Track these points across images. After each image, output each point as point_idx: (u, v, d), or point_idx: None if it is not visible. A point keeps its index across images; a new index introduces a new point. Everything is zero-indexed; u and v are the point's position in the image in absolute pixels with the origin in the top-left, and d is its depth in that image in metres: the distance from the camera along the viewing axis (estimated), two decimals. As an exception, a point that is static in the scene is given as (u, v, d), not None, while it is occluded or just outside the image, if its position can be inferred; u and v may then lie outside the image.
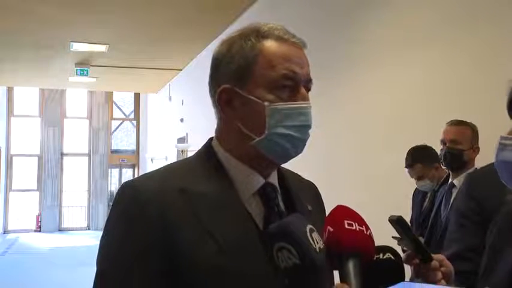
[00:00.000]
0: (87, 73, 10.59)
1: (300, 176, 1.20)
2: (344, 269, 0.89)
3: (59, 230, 16.80)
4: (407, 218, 3.68)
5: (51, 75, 11.62)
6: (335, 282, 0.91)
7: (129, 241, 0.93)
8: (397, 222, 0.98)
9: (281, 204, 1.06)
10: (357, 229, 0.91)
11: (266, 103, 0.99)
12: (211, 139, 1.09)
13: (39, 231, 16.47)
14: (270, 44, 1.02)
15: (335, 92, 4.83)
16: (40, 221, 16.70)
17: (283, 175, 1.12)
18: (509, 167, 1.11)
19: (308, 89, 1.04)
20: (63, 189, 17.25)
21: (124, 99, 18.35)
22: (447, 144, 2.97)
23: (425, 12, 3.75)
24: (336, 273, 0.95)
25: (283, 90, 1.00)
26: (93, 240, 14.75)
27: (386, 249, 0.99)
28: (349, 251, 0.89)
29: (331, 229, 0.91)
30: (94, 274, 0.97)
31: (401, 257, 1.00)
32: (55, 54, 9.63)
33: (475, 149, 2.96)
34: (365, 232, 0.92)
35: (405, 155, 3.45)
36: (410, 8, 3.92)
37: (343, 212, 0.94)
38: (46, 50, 9.36)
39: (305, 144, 1.03)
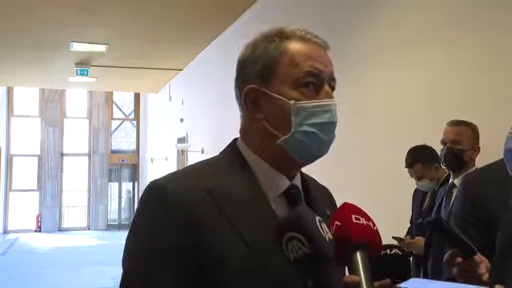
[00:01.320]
0: (87, 73, 10.59)
1: (313, 178, 1.20)
2: (352, 261, 0.89)
3: (59, 230, 16.80)
4: (407, 218, 3.68)
5: (51, 75, 11.62)
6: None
7: (155, 242, 0.94)
8: (435, 222, 0.98)
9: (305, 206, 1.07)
10: (364, 223, 0.92)
11: (291, 101, 1.00)
12: (235, 140, 1.10)
13: (39, 231, 16.47)
14: (293, 44, 1.03)
15: (336, 93, 4.82)
16: (40, 221, 16.70)
17: (304, 178, 1.12)
18: None
19: (332, 88, 1.05)
20: (63, 189, 17.25)
21: (124, 99, 18.35)
22: (448, 144, 2.96)
23: (426, 13, 3.75)
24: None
25: (307, 87, 1.01)
26: (93, 240, 14.75)
27: (393, 246, 1.00)
28: (357, 244, 0.90)
29: (339, 223, 0.92)
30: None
31: (407, 253, 1.01)
32: (55, 54, 9.63)
33: (476, 149, 2.95)
34: (372, 227, 0.93)
35: (405, 155, 3.45)
36: (411, 9, 3.92)
37: (350, 208, 0.95)
38: (46, 50, 9.37)
39: (330, 144, 1.04)
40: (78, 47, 9.15)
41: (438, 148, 3.16)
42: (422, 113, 3.75)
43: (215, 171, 1.02)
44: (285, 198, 1.04)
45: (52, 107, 17.11)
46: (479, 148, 2.95)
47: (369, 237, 0.91)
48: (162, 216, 0.94)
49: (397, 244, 0.88)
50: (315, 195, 1.11)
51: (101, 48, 9.21)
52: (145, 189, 0.99)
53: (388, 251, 1.00)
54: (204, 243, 0.92)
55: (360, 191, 4.31)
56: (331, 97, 1.03)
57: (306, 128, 1.00)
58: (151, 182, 1.00)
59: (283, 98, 1.01)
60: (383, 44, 4.22)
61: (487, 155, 2.58)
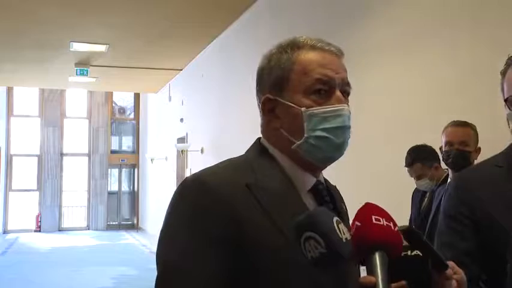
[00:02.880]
0: (87, 73, 10.59)
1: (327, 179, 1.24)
2: (370, 262, 0.90)
3: (59, 230, 16.79)
4: (407, 218, 3.68)
5: (51, 76, 11.62)
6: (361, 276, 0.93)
7: (199, 235, 0.96)
8: (407, 232, 0.97)
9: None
10: (385, 224, 0.93)
11: (303, 108, 1.05)
12: (259, 138, 1.14)
13: (39, 231, 16.46)
14: (304, 53, 1.09)
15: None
16: (40, 221, 16.70)
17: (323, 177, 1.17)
18: None
19: (346, 93, 1.10)
20: (63, 189, 17.24)
21: (124, 99, 18.33)
22: (456, 146, 2.92)
23: (425, 12, 3.76)
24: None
25: (318, 94, 1.06)
26: (93, 240, 14.74)
27: (414, 247, 0.99)
28: (376, 245, 0.90)
29: (359, 224, 0.93)
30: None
31: (429, 248, 0.99)
32: (55, 54, 9.63)
33: (477, 150, 2.95)
34: (392, 228, 0.93)
35: (404, 154, 3.45)
36: (410, 8, 3.93)
37: (371, 208, 0.96)
38: (46, 50, 9.37)
39: (344, 147, 1.08)
40: (78, 47, 9.15)
41: (437, 148, 3.17)
42: (421, 112, 3.76)
43: (250, 168, 1.06)
44: (312, 194, 1.08)
45: (52, 107, 17.10)
46: (480, 149, 2.95)
47: (388, 239, 0.92)
48: (202, 209, 0.97)
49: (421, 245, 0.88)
50: (334, 193, 1.16)
51: (101, 48, 9.21)
52: (182, 184, 1.02)
53: (409, 252, 0.99)
54: (243, 234, 0.95)
55: (359, 191, 4.31)
56: (342, 102, 1.07)
57: (318, 133, 1.05)
58: (187, 178, 1.04)
59: (295, 106, 1.06)
60: (384, 43, 4.22)
61: (485, 154, 2.58)
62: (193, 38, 8.69)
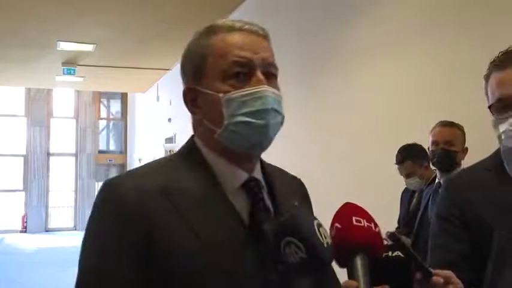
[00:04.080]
0: (74, 72, 10.50)
1: (284, 170, 1.19)
2: (352, 265, 0.89)
3: (46, 231, 16.63)
4: (395, 217, 3.69)
5: (37, 75, 11.51)
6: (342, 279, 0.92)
7: (111, 239, 0.93)
8: (389, 238, 0.96)
9: (266, 199, 1.05)
10: (365, 226, 0.91)
11: (221, 94, 0.99)
12: (193, 136, 1.09)
13: (25, 231, 16.29)
14: (220, 37, 1.02)
15: (324, 92, 4.84)
16: (26, 222, 16.53)
17: (266, 170, 1.11)
18: None
19: (271, 74, 1.03)
20: (49, 190, 17.08)
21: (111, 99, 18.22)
22: (441, 146, 2.94)
23: (413, 12, 3.78)
24: (342, 270, 0.95)
25: (236, 78, 1.00)
26: (80, 240, 14.60)
27: (397, 247, 0.98)
28: (357, 248, 0.89)
29: (339, 226, 0.92)
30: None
31: (412, 256, 0.97)
32: (42, 53, 9.54)
33: (465, 150, 2.97)
34: (373, 229, 0.92)
35: (393, 153, 3.46)
36: (398, 8, 3.94)
37: (351, 209, 0.94)
38: (33, 49, 9.27)
39: (269, 130, 1.00)
40: (65, 46, 9.07)
41: (426, 147, 3.18)
42: (411, 111, 3.77)
43: (171, 168, 1.02)
44: (245, 192, 1.02)
45: (38, 107, 16.94)
46: (467, 149, 2.97)
47: (369, 240, 0.91)
48: (117, 214, 0.93)
49: (403, 246, 0.86)
50: (280, 187, 1.09)
51: (88, 47, 9.13)
52: (101, 187, 0.98)
53: (390, 253, 0.98)
54: (158, 240, 0.91)
55: (348, 189, 4.32)
56: (263, 84, 0.99)
57: (238, 118, 0.98)
58: (106, 181, 0.99)
59: (214, 93, 1.00)
60: (372, 43, 4.23)
61: (474, 155, 2.59)
62: (181, 38, 8.53)
